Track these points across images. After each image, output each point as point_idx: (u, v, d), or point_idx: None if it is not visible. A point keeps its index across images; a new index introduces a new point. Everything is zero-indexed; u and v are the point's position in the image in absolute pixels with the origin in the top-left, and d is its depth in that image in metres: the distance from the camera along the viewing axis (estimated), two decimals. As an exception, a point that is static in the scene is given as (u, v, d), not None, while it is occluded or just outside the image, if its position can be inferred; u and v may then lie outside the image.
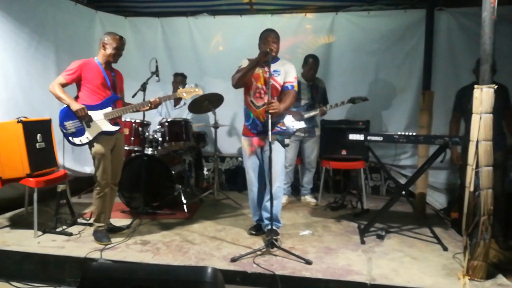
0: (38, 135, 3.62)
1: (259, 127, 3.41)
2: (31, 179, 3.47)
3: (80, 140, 3.35)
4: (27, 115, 3.65)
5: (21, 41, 4.31)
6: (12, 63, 4.20)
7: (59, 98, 3.30)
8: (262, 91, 3.38)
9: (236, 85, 3.44)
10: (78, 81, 3.36)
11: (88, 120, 3.33)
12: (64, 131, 3.35)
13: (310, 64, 4.57)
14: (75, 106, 3.27)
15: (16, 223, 3.84)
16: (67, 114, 3.32)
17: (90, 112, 3.32)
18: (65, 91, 3.32)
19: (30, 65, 4.38)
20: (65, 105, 3.31)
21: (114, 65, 3.51)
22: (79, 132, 3.34)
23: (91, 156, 3.41)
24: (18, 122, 3.44)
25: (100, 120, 3.36)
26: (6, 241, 3.35)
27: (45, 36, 4.61)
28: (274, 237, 3.21)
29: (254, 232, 3.61)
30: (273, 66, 3.33)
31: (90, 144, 3.36)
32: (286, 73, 3.41)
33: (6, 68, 4.14)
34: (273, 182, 3.25)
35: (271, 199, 3.14)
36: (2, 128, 3.50)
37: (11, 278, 3.04)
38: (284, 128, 3.48)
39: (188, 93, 3.63)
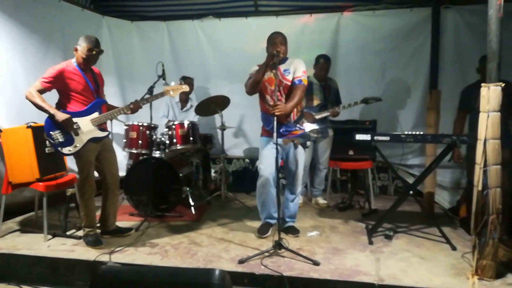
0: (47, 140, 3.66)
1: (282, 129, 3.42)
2: (40, 183, 3.51)
3: (69, 150, 3.21)
4: (36, 120, 3.69)
5: (30, 47, 4.38)
6: (21, 69, 4.26)
7: (39, 108, 3.12)
8: (278, 94, 3.39)
9: (250, 91, 3.46)
10: (58, 89, 3.25)
11: (77, 128, 3.20)
12: (52, 141, 3.20)
13: (321, 64, 4.54)
14: (60, 116, 3.11)
15: (26, 227, 3.88)
16: (53, 123, 3.18)
17: (77, 119, 3.21)
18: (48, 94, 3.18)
19: (39, 70, 4.38)
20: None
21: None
22: (68, 142, 3.20)
23: (77, 163, 3.32)
24: (28, 127, 3.49)
25: (88, 126, 3.25)
26: (17, 245, 3.39)
27: (53, 42, 4.67)
28: (297, 235, 3.53)
29: (262, 236, 3.56)
30: (283, 66, 3.43)
31: (78, 153, 3.25)
32: (295, 69, 3.44)
33: (16, 74, 4.20)
34: (298, 183, 3.57)
35: (278, 199, 3.18)
36: (12, 134, 3.55)
37: (22, 281, 3.07)
38: (303, 127, 3.52)
39: (175, 91, 3.59)
